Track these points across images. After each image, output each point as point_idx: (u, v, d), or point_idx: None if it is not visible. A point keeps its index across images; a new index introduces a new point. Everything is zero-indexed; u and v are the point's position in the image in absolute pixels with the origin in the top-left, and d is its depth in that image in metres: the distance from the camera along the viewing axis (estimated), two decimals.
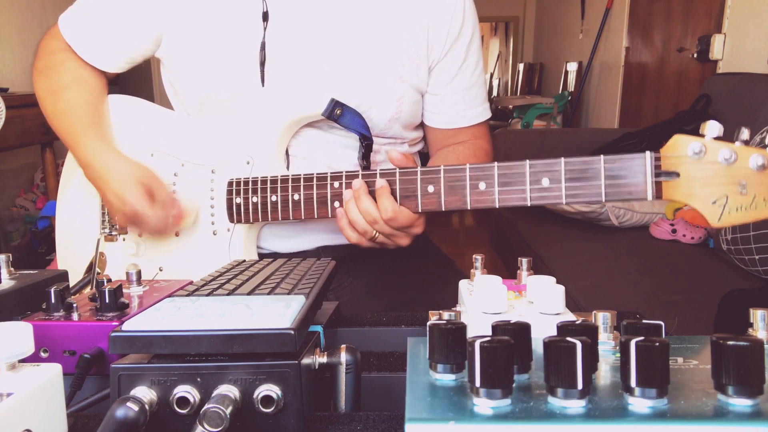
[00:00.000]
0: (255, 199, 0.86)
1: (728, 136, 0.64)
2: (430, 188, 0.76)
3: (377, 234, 0.80)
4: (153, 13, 0.94)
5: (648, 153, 0.66)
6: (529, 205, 0.72)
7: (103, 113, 0.98)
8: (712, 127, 0.64)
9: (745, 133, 0.64)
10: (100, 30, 0.97)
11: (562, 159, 0.70)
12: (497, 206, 0.73)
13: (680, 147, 0.65)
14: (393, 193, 0.78)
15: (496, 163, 0.73)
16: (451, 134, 1.03)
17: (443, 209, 0.76)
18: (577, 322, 0.37)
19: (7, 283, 0.57)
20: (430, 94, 1.00)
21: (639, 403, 0.30)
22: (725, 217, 0.64)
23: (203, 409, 0.36)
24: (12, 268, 0.60)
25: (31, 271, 0.62)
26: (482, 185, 0.73)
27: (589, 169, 0.69)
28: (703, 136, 0.65)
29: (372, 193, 0.79)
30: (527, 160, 0.71)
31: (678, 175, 0.66)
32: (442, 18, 0.95)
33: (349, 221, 0.80)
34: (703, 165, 0.65)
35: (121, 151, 0.93)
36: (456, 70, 0.98)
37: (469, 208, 0.75)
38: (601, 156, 0.68)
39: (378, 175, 0.79)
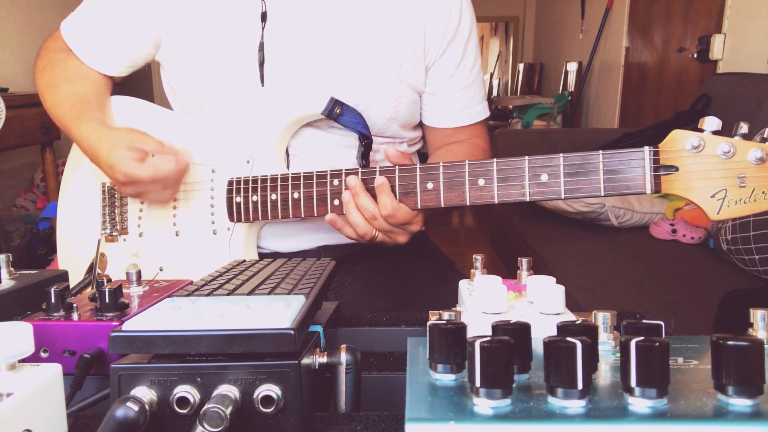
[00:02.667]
0: (255, 198, 0.86)
1: (727, 134, 0.65)
2: (430, 185, 0.76)
3: (377, 233, 0.80)
4: (152, 16, 0.94)
5: (647, 147, 0.67)
6: (528, 200, 0.72)
7: (105, 103, 0.98)
8: (711, 122, 0.65)
9: (743, 128, 0.64)
10: (101, 34, 0.98)
11: (561, 155, 0.70)
12: (496, 201, 0.73)
13: (679, 141, 0.66)
14: (393, 189, 0.78)
15: (495, 159, 0.73)
16: (450, 133, 1.03)
17: (442, 205, 0.76)
18: (577, 322, 0.37)
19: (7, 283, 0.57)
20: (428, 94, 1.00)
21: (639, 403, 0.30)
22: (724, 211, 0.64)
23: (203, 409, 0.36)
24: (12, 268, 0.60)
25: (31, 271, 0.62)
26: (481, 181, 0.74)
27: (587, 164, 0.69)
28: (702, 131, 0.65)
29: (370, 191, 0.79)
30: (526, 156, 0.71)
31: (677, 169, 0.66)
32: (439, 17, 0.95)
33: (348, 221, 0.80)
34: (701, 159, 0.65)
35: None
36: (453, 69, 0.98)
37: (468, 203, 0.75)
38: (600, 151, 0.69)
39: (377, 173, 0.79)
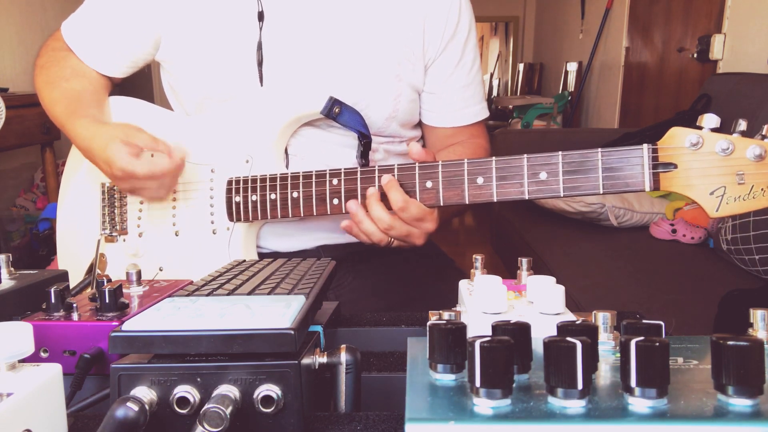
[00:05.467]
0: (254, 198, 0.86)
1: (726, 132, 0.65)
2: (429, 183, 0.76)
3: (393, 240, 0.80)
4: (152, 17, 0.95)
5: (645, 145, 0.67)
6: (527, 198, 0.72)
7: (102, 101, 0.97)
8: (710, 119, 0.65)
9: (742, 125, 0.64)
10: (102, 35, 0.98)
11: (560, 152, 0.70)
12: (495, 200, 0.73)
13: (677, 139, 0.66)
14: None
15: (493, 157, 0.73)
16: (450, 134, 1.03)
17: (442, 204, 0.76)
18: (577, 322, 0.37)
19: (7, 283, 0.57)
20: (427, 93, 1.00)
21: (639, 403, 0.30)
22: (723, 208, 0.65)
23: (203, 409, 0.36)
24: (12, 268, 0.60)
25: (31, 271, 0.62)
26: (480, 180, 0.74)
27: (586, 162, 0.69)
28: (700, 128, 0.65)
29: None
30: (525, 155, 0.71)
31: (675, 166, 0.66)
32: (438, 16, 0.95)
33: (364, 233, 0.80)
34: (700, 156, 0.65)
35: None
36: (452, 68, 0.98)
37: (467, 202, 0.75)
38: (599, 149, 0.69)
39: (376, 172, 0.79)
